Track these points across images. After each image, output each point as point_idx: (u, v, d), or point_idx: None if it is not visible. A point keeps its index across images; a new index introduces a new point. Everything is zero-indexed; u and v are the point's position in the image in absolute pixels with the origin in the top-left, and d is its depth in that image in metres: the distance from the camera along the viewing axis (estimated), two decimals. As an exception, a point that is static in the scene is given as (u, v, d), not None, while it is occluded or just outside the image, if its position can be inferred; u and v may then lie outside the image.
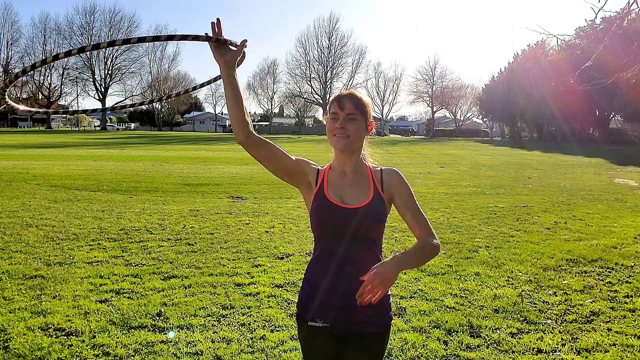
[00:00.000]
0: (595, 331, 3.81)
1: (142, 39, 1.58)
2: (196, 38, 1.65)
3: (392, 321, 1.88)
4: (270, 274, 5.06)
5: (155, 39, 1.63)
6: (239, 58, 1.77)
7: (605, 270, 5.37)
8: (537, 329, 3.83)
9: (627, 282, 5.00)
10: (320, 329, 1.80)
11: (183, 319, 3.90)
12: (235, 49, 1.76)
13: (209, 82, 2.10)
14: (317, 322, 1.80)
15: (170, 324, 3.80)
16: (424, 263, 1.84)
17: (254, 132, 1.79)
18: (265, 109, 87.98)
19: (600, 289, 4.76)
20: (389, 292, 1.86)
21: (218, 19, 1.71)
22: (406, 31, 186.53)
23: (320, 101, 78.80)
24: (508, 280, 5.00)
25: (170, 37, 1.68)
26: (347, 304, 1.78)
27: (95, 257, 5.55)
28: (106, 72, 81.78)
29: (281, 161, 1.83)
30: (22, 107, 2.08)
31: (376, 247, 1.84)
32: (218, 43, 1.71)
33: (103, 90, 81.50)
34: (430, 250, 1.77)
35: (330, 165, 1.90)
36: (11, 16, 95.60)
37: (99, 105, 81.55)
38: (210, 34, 1.71)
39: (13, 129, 73.31)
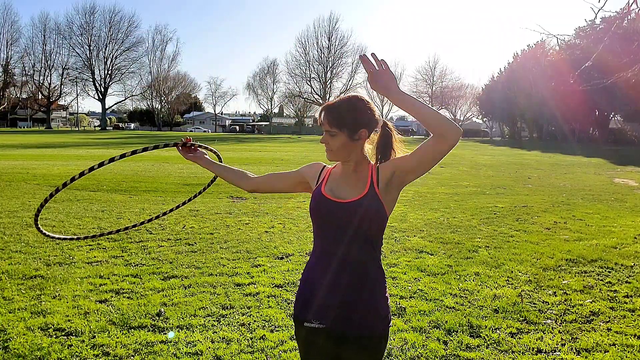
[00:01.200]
0: (595, 331, 3.81)
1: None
2: (166, 145, 2.05)
3: (390, 324, 1.87)
4: (270, 274, 5.06)
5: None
6: (214, 156, 2.23)
7: (605, 270, 5.37)
8: (536, 329, 3.83)
9: (626, 282, 5.00)
10: (318, 330, 1.80)
11: (183, 319, 3.90)
12: (204, 151, 2.16)
13: (170, 210, 2.73)
14: (313, 323, 1.80)
15: (170, 324, 3.80)
16: (422, 112, 1.67)
17: (253, 179, 2.08)
18: (265, 109, 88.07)
19: (600, 289, 4.76)
20: (387, 295, 1.86)
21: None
22: (406, 31, 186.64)
23: (320, 101, 78.69)
24: (508, 280, 5.00)
25: (145, 149, 2.05)
26: (346, 304, 1.78)
27: (95, 257, 5.55)
28: (106, 72, 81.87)
29: (284, 185, 2.03)
30: None
31: (375, 249, 1.84)
32: (184, 147, 2.10)
33: (103, 90, 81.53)
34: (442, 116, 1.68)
35: (336, 165, 1.92)
36: (11, 16, 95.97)
37: (98, 105, 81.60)
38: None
39: (13, 129, 73.29)
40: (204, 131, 79.99)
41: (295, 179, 2.01)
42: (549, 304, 4.35)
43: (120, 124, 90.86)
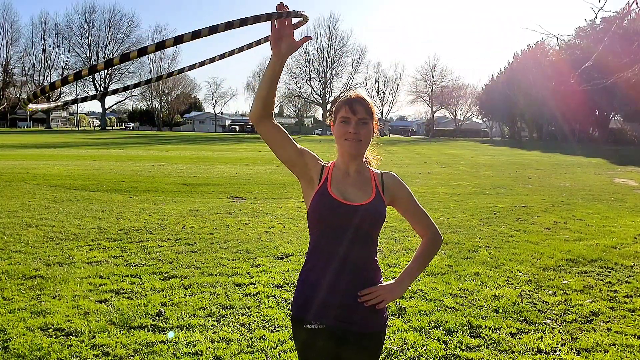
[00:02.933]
0: (595, 331, 3.81)
1: (196, 34, 1.35)
2: (257, 19, 1.48)
3: (388, 322, 1.90)
4: (270, 274, 5.06)
5: (212, 30, 1.36)
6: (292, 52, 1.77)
7: (605, 270, 5.37)
8: (536, 329, 3.83)
9: (626, 282, 5.00)
10: (318, 331, 1.79)
11: (183, 319, 3.90)
12: (297, 21, 1.74)
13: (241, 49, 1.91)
14: (313, 324, 1.79)
15: (169, 324, 3.80)
16: (429, 262, 2.03)
17: (273, 117, 1.81)
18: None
19: (600, 289, 4.76)
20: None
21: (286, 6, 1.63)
22: (406, 31, 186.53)
23: (320, 101, 78.82)
24: (508, 280, 5.00)
25: (229, 25, 1.41)
26: (347, 303, 1.78)
27: (94, 257, 5.55)
28: (106, 72, 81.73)
29: (286, 150, 1.85)
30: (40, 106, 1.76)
31: (374, 248, 1.86)
32: (280, 17, 1.60)
33: (102, 90, 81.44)
34: (433, 251, 1.96)
35: (334, 163, 1.91)
36: (11, 16, 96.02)
37: (98, 105, 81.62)
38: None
39: (12, 129, 73.25)
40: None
41: (298, 154, 1.86)
42: (549, 304, 4.35)
43: (132, 125, 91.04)
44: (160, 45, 1.33)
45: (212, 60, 1.85)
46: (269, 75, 1.73)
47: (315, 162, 1.89)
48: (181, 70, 1.95)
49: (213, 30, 1.37)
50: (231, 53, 1.82)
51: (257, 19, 1.46)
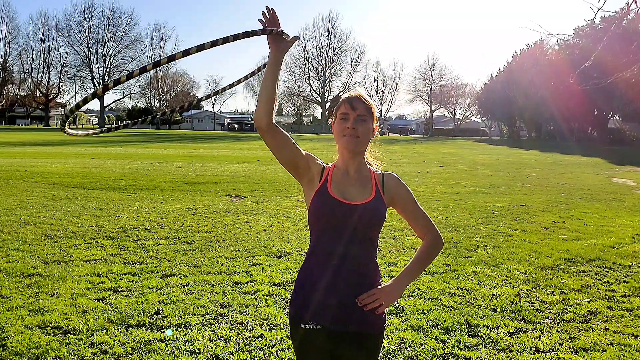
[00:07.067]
0: (592, 330, 3.82)
1: (200, 47, 1.62)
2: (253, 33, 1.71)
3: (386, 323, 1.89)
4: (269, 272, 5.06)
5: (213, 44, 1.65)
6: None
7: (603, 270, 5.38)
8: (534, 328, 3.83)
9: (624, 281, 5.01)
10: (315, 331, 1.79)
11: (181, 317, 3.90)
12: (287, 39, 1.85)
13: (246, 78, 2.14)
14: (310, 324, 1.79)
15: (168, 322, 3.80)
16: (429, 265, 2.01)
17: (274, 122, 1.84)
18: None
19: (598, 289, 4.77)
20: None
21: (273, 10, 1.79)
22: (405, 30, 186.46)
23: (319, 100, 78.80)
24: (506, 279, 5.01)
25: (225, 40, 1.66)
26: (345, 304, 1.78)
27: (93, 255, 5.55)
28: (104, 70, 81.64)
29: (292, 153, 1.86)
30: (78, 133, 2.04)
31: (373, 249, 1.86)
32: (275, 35, 1.79)
33: (102, 86, 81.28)
34: (433, 253, 1.94)
35: (335, 164, 1.93)
36: (9, 13, 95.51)
37: (97, 103, 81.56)
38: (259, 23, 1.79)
39: (11, 127, 73.08)
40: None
41: (299, 157, 1.87)
42: (547, 303, 4.36)
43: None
44: (171, 57, 1.66)
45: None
46: (271, 76, 1.80)
47: (316, 163, 1.91)
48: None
49: (214, 43, 1.65)
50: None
51: (253, 33, 1.71)
